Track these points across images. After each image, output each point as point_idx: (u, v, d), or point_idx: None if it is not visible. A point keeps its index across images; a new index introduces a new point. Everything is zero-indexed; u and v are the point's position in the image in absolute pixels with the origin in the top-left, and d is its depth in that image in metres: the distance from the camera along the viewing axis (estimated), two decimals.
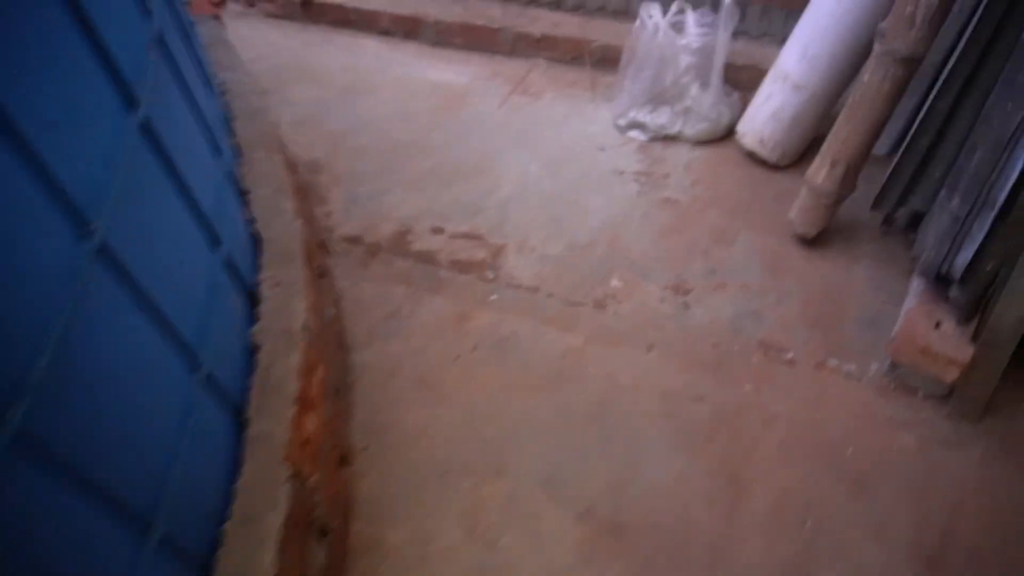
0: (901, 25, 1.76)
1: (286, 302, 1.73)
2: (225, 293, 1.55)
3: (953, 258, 1.68)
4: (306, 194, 2.51)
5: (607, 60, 2.87)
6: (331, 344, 1.97)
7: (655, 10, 2.48)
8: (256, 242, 1.87)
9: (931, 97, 1.77)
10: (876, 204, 2.00)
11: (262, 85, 3.04)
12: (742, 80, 2.64)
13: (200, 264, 1.45)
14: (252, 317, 1.66)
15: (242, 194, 1.93)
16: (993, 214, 1.54)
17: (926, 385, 1.84)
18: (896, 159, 1.87)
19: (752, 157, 2.48)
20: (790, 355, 2.01)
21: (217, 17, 2.67)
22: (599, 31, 2.87)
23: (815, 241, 2.24)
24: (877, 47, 1.84)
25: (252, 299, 1.70)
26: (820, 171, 2.05)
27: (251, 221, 1.90)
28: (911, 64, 1.80)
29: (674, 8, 2.49)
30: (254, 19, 3.44)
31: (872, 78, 1.86)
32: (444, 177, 2.60)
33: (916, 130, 1.79)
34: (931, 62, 1.86)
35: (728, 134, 2.58)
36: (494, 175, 2.58)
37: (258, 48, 3.27)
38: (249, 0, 3.41)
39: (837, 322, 2.07)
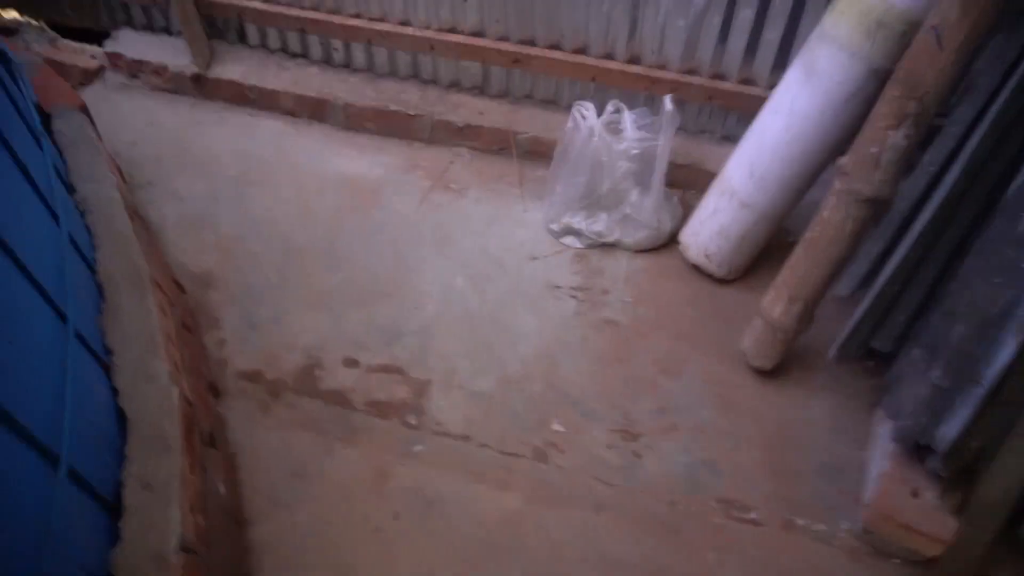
0: (864, 166, 1.60)
1: (157, 513, 1.37)
2: (68, 522, 1.19)
3: (933, 429, 1.51)
4: (194, 321, 2.14)
5: (536, 152, 2.65)
6: (220, 534, 1.62)
7: (589, 110, 2.27)
8: (121, 420, 1.51)
9: (902, 246, 1.62)
10: (840, 354, 1.83)
11: (140, 178, 2.65)
12: (680, 179, 2.46)
13: (27, 498, 1.09)
14: (114, 533, 1.31)
15: (103, 357, 1.57)
16: (982, 392, 1.38)
17: (904, 553, 1.66)
18: (861, 311, 1.72)
19: (697, 269, 2.30)
20: (753, 514, 1.80)
21: (83, 108, 2.27)
22: (527, 121, 2.63)
23: (769, 371, 2.06)
24: (838, 184, 1.67)
25: (114, 509, 1.35)
26: (776, 305, 1.87)
27: (114, 393, 1.54)
28: (875, 205, 1.64)
29: (609, 108, 2.29)
30: (138, 93, 3.02)
31: (833, 216, 1.69)
32: (356, 294, 2.28)
33: (885, 282, 1.63)
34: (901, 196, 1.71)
35: (670, 240, 2.38)
36: (414, 291, 2.29)
37: (140, 128, 2.87)
38: (132, 71, 2.99)
39: (800, 471, 1.88)
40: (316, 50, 2.84)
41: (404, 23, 2.60)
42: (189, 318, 2.08)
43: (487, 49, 2.51)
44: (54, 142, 2.13)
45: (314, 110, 2.82)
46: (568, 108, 2.65)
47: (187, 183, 2.65)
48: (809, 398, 2.02)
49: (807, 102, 1.81)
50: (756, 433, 1.96)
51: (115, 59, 2.99)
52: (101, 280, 1.76)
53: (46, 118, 2.20)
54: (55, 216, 1.64)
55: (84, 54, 3.11)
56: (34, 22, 3.25)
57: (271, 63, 2.88)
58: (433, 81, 2.76)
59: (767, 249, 2.24)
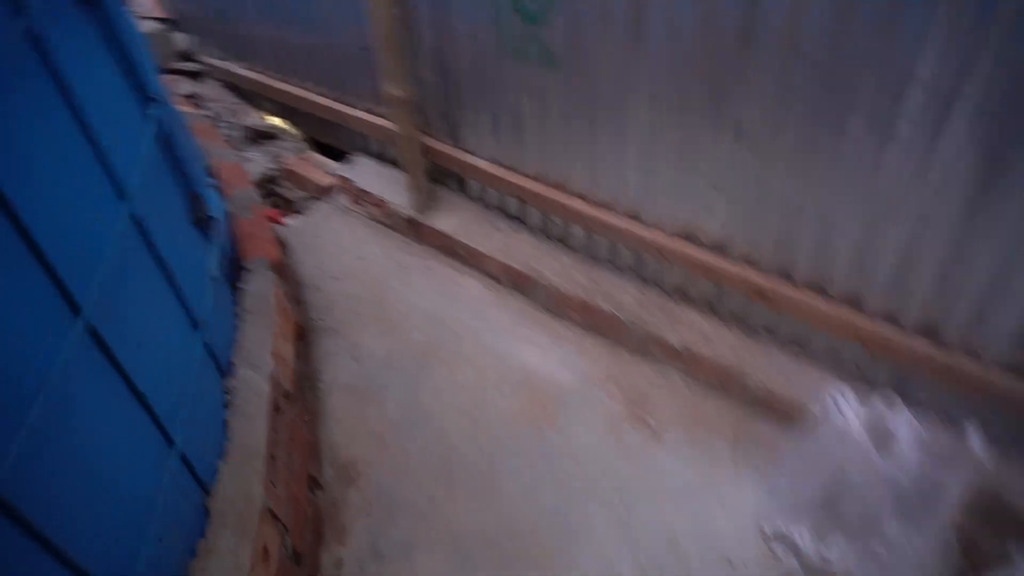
0: None
1: None
2: None
3: None
4: (314, 536, 1.88)
5: (765, 404, 2.07)
6: None
7: (848, 398, 1.66)
8: None
9: None
10: None
11: (331, 322, 2.53)
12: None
13: None
14: None
15: None
16: None
17: None
18: None
19: None
20: None
21: (277, 265, 2.17)
22: (762, 362, 2.07)
23: None
24: None
25: None
26: None
27: None
28: None
29: (879, 403, 1.66)
30: (356, 220, 2.97)
31: None
32: (499, 545, 1.88)
33: None
34: None
35: None
36: (566, 564, 1.83)
37: (348, 260, 2.78)
38: (356, 198, 2.95)
39: None
40: (534, 217, 2.54)
41: (633, 216, 2.19)
42: (306, 537, 1.83)
43: (727, 273, 2.00)
44: (237, 302, 2.05)
45: (518, 282, 2.51)
46: (821, 357, 2.05)
47: (370, 340, 2.47)
48: None
49: None
50: None
51: (344, 182, 2.96)
52: (210, 506, 1.56)
53: (240, 271, 2.14)
54: (170, 440, 1.45)
55: (321, 170, 3.14)
56: (292, 130, 3.38)
57: (485, 220, 2.64)
58: (656, 283, 2.31)
59: None
